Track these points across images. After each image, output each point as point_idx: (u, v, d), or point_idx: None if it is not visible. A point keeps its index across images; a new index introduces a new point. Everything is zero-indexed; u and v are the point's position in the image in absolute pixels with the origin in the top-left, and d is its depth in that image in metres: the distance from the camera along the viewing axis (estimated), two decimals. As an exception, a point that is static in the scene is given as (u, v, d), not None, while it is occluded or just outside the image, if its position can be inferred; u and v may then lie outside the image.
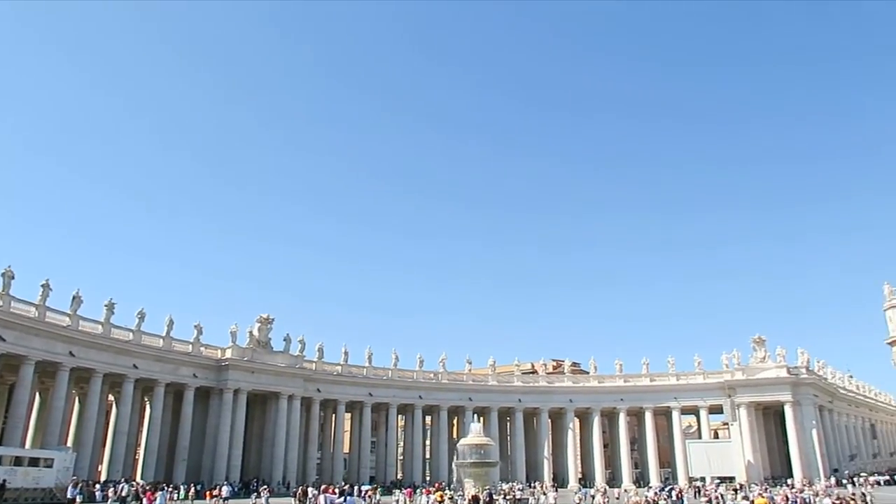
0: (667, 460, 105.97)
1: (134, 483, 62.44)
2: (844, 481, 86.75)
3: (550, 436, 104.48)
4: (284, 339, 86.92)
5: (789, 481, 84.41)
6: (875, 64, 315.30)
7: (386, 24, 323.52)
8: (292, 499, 57.77)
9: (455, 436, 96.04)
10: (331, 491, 52.79)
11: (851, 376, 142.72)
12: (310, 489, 59.06)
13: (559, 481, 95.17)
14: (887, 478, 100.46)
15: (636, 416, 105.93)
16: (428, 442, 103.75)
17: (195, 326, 79.95)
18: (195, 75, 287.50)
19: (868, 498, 42.12)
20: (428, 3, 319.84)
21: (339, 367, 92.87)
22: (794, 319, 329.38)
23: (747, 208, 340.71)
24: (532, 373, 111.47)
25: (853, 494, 42.75)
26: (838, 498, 40.35)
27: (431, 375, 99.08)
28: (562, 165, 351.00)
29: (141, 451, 76.26)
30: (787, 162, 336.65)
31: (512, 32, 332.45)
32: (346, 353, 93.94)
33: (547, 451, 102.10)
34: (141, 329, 73.20)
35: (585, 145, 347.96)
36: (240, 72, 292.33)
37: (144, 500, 48.37)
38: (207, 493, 59.58)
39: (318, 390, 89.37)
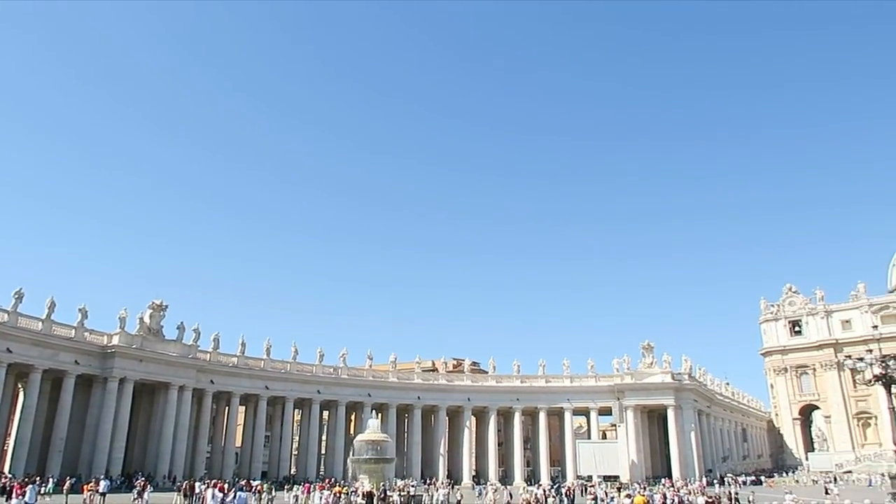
0: (557, 459, 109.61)
1: (1, 476, 57.99)
2: (716, 481, 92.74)
3: (447, 433, 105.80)
4: (178, 328, 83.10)
5: (664, 480, 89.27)
6: (737, 76, 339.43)
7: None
8: (176, 494, 55.40)
9: (352, 431, 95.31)
10: (220, 486, 51.04)
11: (728, 383, 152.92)
12: (197, 484, 56.84)
13: (454, 478, 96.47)
14: (753, 478, 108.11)
15: (531, 415, 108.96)
16: (324, 437, 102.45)
17: (80, 310, 74.96)
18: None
19: (734, 496, 45.19)
20: None
21: (235, 359, 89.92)
22: (681, 329, 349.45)
23: (640, 222, 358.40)
24: (433, 371, 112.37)
25: (720, 494, 45.84)
26: (710, 497, 43.07)
27: (331, 370, 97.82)
28: (464, 172, 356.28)
29: (11, 442, 70.90)
30: (676, 178, 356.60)
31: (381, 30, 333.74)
32: (243, 345, 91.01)
33: (443, 448, 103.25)
34: (17, 310, 67.89)
35: (487, 152, 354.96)
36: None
37: (13, 494, 44.94)
38: (84, 486, 56.06)
39: (212, 382, 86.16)
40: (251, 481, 69.01)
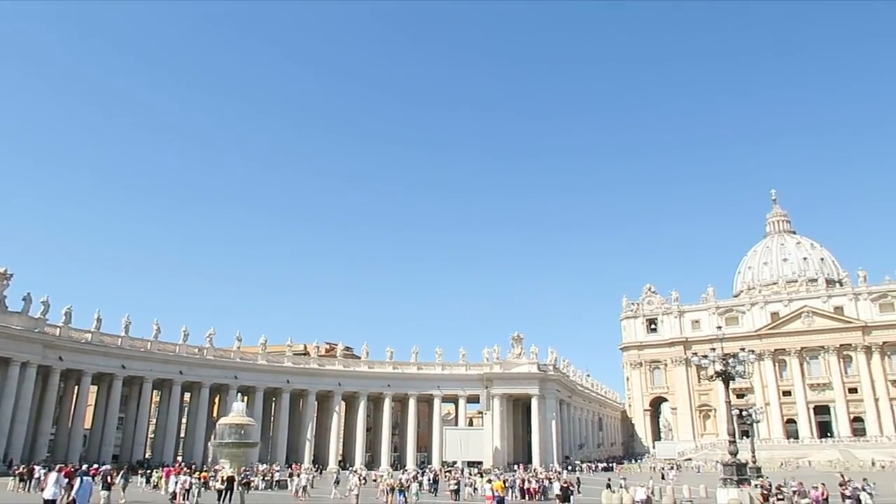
0: (424, 445, 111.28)
1: None
2: (570, 467, 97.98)
3: (316, 418, 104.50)
4: (23, 299, 75.88)
5: (517, 466, 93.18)
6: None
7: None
8: (12, 479, 50.93)
9: (216, 414, 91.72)
10: (66, 471, 47.35)
11: (589, 375, 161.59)
12: (37, 468, 52.46)
13: (320, 463, 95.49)
14: (605, 464, 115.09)
15: (401, 402, 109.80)
16: (185, 420, 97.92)
17: None
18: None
19: (578, 480, 48.42)
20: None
21: (88, 335, 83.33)
22: (549, 322, 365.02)
23: (518, 226, 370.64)
24: (304, 354, 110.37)
25: (571, 479, 48.50)
26: (564, 482, 45.37)
27: (196, 350, 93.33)
28: (357, 140, 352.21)
29: None
30: (553, 190, 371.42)
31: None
32: (98, 321, 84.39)
33: (310, 433, 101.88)
34: None
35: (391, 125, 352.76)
36: None
37: None
38: None
39: (61, 359, 79.45)
40: (97, 466, 64.67)
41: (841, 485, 40.89)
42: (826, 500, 35.70)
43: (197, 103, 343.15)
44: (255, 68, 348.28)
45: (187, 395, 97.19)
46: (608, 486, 42.98)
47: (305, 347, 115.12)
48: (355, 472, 65.98)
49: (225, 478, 42.17)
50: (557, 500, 43.83)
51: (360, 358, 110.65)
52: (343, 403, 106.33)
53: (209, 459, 74.11)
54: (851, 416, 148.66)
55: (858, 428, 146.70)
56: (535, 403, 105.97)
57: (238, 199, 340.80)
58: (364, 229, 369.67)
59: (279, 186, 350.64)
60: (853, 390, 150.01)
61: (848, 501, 36.44)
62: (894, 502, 40.19)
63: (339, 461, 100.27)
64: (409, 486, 41.93)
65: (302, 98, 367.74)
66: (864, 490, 35.59)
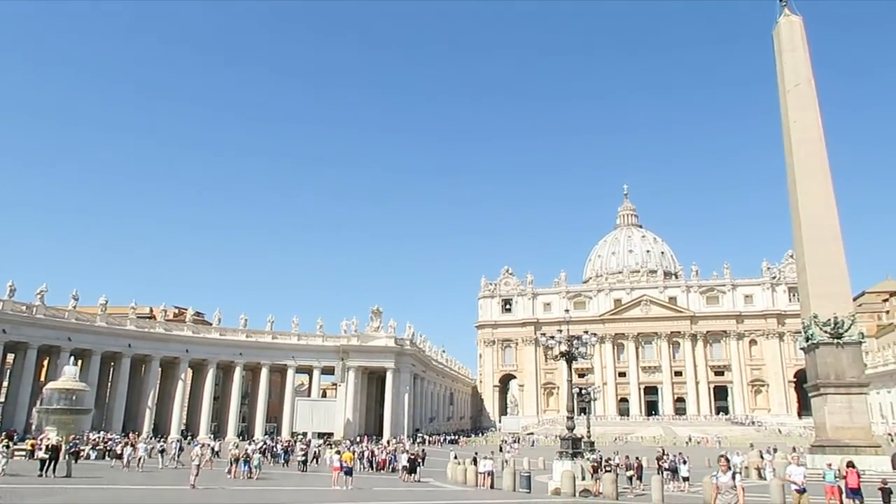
0: (275, 415, 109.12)
1: None
2: (418, 440, 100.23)
3: (159, 385, 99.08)
4: None
5: (365, 438, 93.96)
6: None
7: None
8: None
9: (44, 379, 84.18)
10: None
11: (444, 351, 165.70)
12: None
13: (161, 432, 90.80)
14: (453, 437, 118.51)
15: (253, 371, 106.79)
16: (6, 384, 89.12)
17: None
18: None
19: (423, 452, 50.03)
20: None
21: None
22: (409, 297, 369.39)
23: (386, 198, 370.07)
24: (150, 318, 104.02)
25: (417, 451, 49.65)
26: (412, 454, 46.32)
27: (23, 308, 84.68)
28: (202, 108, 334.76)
29: None
30: (418, 173, 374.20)
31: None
32: None
33: (152, 401, 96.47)
34: None
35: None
36: None
37: None
38: None
39: None
40: None
41: (658, 458, 46.05)
42: (640, 469, 40.12)
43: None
44: None
45: (10, 357, 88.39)
46: (454, 457, 44.39)
47: (152, 311, 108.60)
48: (200, 442, 63.47)
49: (49, 446, 38.90)
50: (404, 472, 44.61)
51: (211, 324, 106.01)
52: (190, 371, 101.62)
53: (33, 427, 68.34)
54: (675, 396, 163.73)
55: (680, 407, 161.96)
56: (389, 377, 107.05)
57: (82, 147, 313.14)
58: (221, 192, 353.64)
59: (130, 141, 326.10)
60: (679, 373, 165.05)
61: (666, 473, 40.71)
62: (704, 472, 44.79)
63: (182, 431, 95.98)
64: (252, 457, 40.78)
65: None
66: (682, 463, 39.39)
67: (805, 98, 48.28)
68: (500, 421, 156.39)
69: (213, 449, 51.07)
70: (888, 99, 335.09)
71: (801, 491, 25.50)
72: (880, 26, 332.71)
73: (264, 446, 58.48)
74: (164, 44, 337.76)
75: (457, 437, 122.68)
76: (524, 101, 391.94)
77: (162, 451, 49.38)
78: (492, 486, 38.00)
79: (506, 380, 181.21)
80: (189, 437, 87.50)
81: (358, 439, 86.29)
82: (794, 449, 60.87)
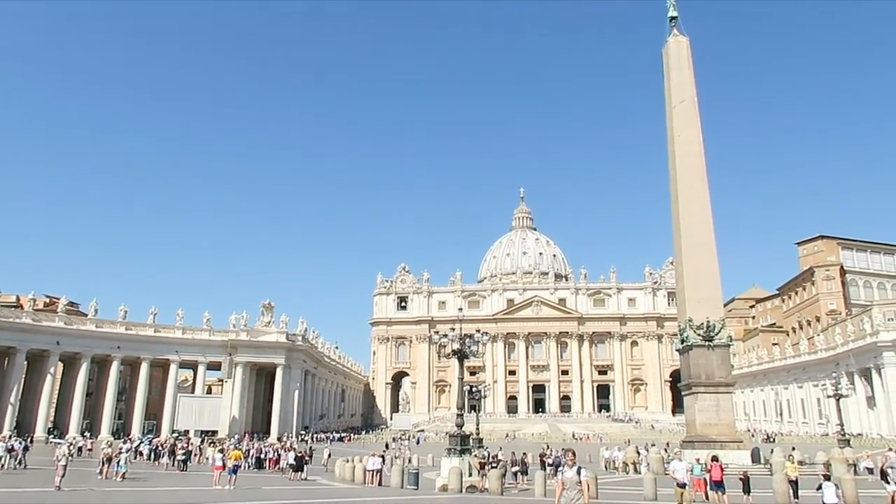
0: (155, 412, 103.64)
1: None
2: (304, 438, 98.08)
3: (24, 380, 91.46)
4: None
5: (250, 435, 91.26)
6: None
7: None
8: None
9: None
10: None
11: (337, 347, 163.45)
12: None
13: (25, 430, 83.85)
14: (342, 435, 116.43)
15: (132, 365, 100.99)
16: None
17: None
18: None
19: (311, 451, 49.37)
20: None
21: None
22: (303, 292, 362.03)
23: (283, 190, 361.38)
24: (16, 307, 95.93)
25: (304, 449, 48.83)
26: (299, 452, 45.38)
27: None
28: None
29: None
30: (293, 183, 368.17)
31: None
32: None
33: (15, 396, 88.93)
34: None
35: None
36: None
37: None
38: None
39: None
40: None
41: (542, 455, 48.00)
42: (525, 465, 41.78)
43: None
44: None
45: None
46: (348, 460, 43.64)
47: (18, 299, 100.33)
48: (69, 441, 59.19)
49: None
50: (290, 470, 43.66)
51: (86, 315, 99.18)
52: (61, 365, 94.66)
53: None
54: (562, 394, 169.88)
55: (566, 405, 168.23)
56: (279, 373, 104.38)
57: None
58: (101, 174, 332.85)
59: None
60: (565, 372, 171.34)
61: (549, 468, 42.26)
62: (588, 464, 46.74)
63: (50, 428, 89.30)
64: (119, 456, 38.40)
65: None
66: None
67: (688, 115, 51.15)
68: (391, 418, 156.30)
69: (80, 448, 47.77)
70: (758, 120, 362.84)
71: (682, 486, 26.65)
72: (760, 45, 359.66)
73: (140, 444, 55.48)
74: None
75: (348, 434, 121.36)
76: (426, 101, 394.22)
77: (10, 451, 45.48)
78: (380, 484, 37.90)
79: (399, 377, 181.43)
80: (56, 435, 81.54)
81: (236, 437, 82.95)
82: (667, 445, 64.41)
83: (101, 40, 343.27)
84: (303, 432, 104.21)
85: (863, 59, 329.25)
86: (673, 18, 52.91)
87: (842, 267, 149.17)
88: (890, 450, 53.82)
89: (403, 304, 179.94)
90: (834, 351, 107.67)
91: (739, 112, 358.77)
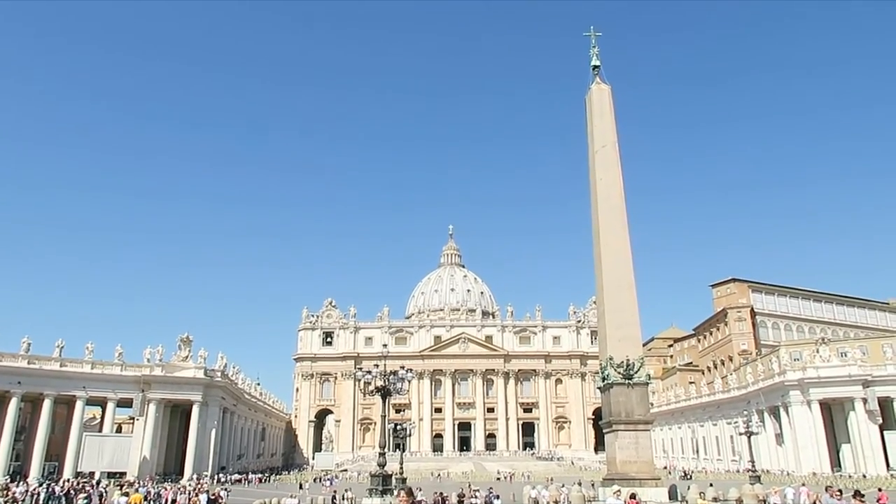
0: (57, 453, 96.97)
1: None
2: (215, 480, 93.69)
3: None
4: None
5: (134, 479, 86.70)
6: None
7: None
8: None
9: None
10: None
11: (259, 384, 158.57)
12: None
13: None
14: (261, 475, 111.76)
15: (34, 402, 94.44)
16: None
17: None
18: None
19: (226, 492, 47.28)
20: None
21: None
22: (225, 328, 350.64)
23: (196, 234, 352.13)
24: None
25: (218, 491, 46.86)
26: (212, 494, 43.37)
27: None
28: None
29: None
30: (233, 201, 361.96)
31: None
32: None
33: None
34: None
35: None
36: None
37: None
38: None
39: None
40: None
41: (460, 496, 47.44)
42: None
43: None
44: None
45: None
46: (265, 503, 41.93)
47: None
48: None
49: None
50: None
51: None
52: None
53: None
54: (487, 432, 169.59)
55: (491, 443, 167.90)
56: (196, 411, 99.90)
57: None
58: (10, 194, 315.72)
59: None
60: (491, 410, 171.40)
61: None
62: (512, 503, 46.74)
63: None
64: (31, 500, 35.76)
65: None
66: (495, 498, 40.96)
67: (610, 159, 52.95)
68: (313, 458, 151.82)
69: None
70: (677, 170, 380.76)
71: None
72: (679, 90, 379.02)
73: (39, 488, 51.70)
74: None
75: (266, 474, 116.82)
76: (358, 135, 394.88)
77: None
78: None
79: (323, 415, 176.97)
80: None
81: (139, 482, 77.83)
82: (592, 483, 64.15)
83: None
84: (219, 474, 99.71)
85: (771, 121, 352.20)
86: (596, 67, 55.06)
87: (752, 309, 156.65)
88: (803, 485, 56.36)
89: (329, 339, 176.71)
90: (745, 390, 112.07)
91: (661, 161, 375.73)
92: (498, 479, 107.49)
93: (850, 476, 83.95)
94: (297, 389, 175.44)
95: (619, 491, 25.08)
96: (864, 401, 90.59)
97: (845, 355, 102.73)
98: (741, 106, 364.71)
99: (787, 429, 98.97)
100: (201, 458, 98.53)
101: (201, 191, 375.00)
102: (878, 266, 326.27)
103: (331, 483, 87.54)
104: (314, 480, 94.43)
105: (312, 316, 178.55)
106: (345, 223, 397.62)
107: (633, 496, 29.66)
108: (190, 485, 67.43)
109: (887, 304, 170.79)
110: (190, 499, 49.25)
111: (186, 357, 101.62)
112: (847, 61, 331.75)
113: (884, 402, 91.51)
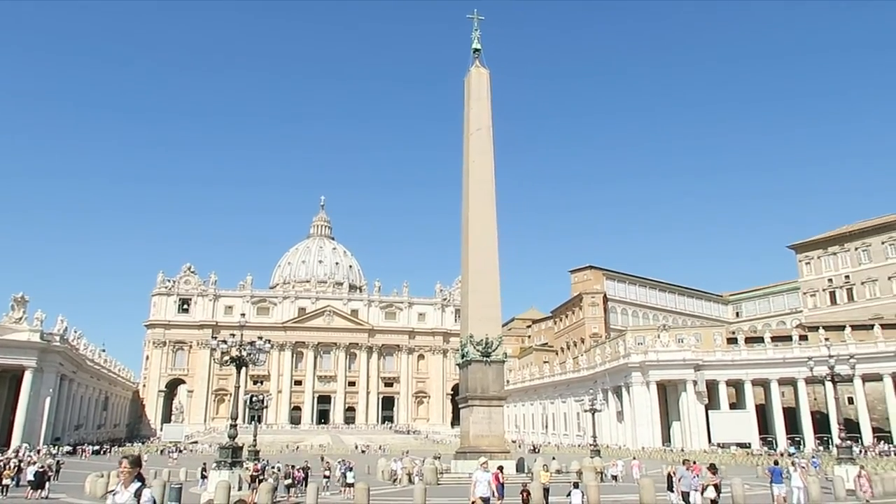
0: None
1: None
2: (64, 450, 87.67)
3: None
4: None
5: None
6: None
7: None
8: None
9: None
10: None
11: (104, 350, 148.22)
12: None
13: None
14: (99, 447, 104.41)
15: None
16: None
17: None
18: None
19: (58, 464, 44.55)
20: None
21: None
22: (69, 290, 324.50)
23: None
24: None
25: (50, 464, 43.80)
26: (41, 466, 40.21)
27: None
28: None
29: None
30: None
31: None
32: None
33: None
34: None
35: None
36: None
37: None
38: None
39: None
40: None
41: (304, 468, 45.93)
42: (307, 477, 40.66)
43: None
44: None
45: None
46: (101, 475, 39.32)
47: None
48: None
49: None
50: (29, 487, 38.37)
51: None
52: None
53: None
54: (347, 405, 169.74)
55: (350, 416, 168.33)
56: (28, 377, 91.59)
57: None
58: None
59: None
60: (352, 384, 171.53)
61: (325, 480, 42.20)
62: (367, 475, 46.87)
63: None
64: None
65: None
66: (348, 469, 41.15)
67: (484, 142, 54.11)
68: (161, 429, 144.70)
69: None
70: (548, 160, 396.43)
71: (486, 499, 23.48)
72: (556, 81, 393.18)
73: None
74: None
75: (106, 445, 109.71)
76: (227, 93, 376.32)
77: None
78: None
79: (174, 384, 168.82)
80: None
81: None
82: (436, 456, 64.73)
83: None
84: (51, 445, 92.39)
85: (644, 114, 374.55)
86: (476, 51, 55.81)
87: (605, 295, 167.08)
88: (634, 458, 61.06)
89: (186, 306, 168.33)
90: (593, 370, 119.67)
91: (532, 149, 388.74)
92: (355, 451, 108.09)
93: (679, 450, 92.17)
94: (148, 357, 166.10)
95: (486, 462, 25.52)
96: (695, 383, 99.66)
97: (682, 341, 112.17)
98: (610, 99, 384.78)
99: (628, 407, 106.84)
100: (32, 428, 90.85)
101: (52, 139, 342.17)
102: (715, 262, 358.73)
103: (177, 455, 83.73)
104: (160, 452, 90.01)
105: (169, 281, 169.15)
106: (210, 186, 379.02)
107: (500, 468, 30.83)
108: (15, 456, 61.85)
109: (720, 296, 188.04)
110: (16, 471, 45.37)
111: (21, 319, 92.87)
112: (703, 62, 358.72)
113: (711, 385, 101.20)
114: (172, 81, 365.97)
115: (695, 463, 33.14)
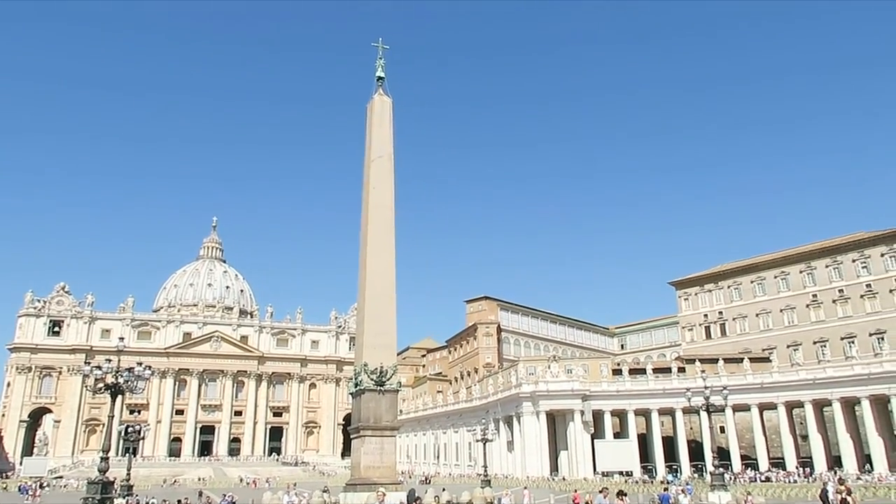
0: None
1: None
2: None
3: None
4: None
5: None
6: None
7: None
8: None
9: None
10: None
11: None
12: None
13: None
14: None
15: None
16: None
17: None
18: None
19: None
20: None
21: None
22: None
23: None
24: None
25: None
26: None
27: None
28: None
29: None
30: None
31: None
32: None
33: None
34: None
35: None
36: None
37: None
38: None
39: None
40: None
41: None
42: None
43: None
44: None
45: None
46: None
47: None
48: None
49: None
50: None
51: None
52: None
53: None
54: (232, 436, 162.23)
55: (235, 448, 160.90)
56: None
57: None
58: None
59: None
60: (239, 413, 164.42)
61: None
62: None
63: None
64: None
65: None
66: (231, 503, 39.14)
67: (384, 170, 54.04)
68: (20, 463, 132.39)
69: None
70: (444, 190, 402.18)
71: None
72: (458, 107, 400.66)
73: None
74: None
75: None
76: (119, 109, 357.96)
77: None
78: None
79: (39, 414, 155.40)
80: None
81: None
82: (324, 489, 62.32)
83: None
84: None
85: (534, 149, 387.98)
86: (380, 79, 55.93)
87: (499, 325, 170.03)
88: (525, 488, 61.81)
89: (57, 328, 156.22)
90: (486, 400, 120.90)
91: (430, 178, 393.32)
92: (240, 484, 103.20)
93: (563, 479, 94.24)
94: (9, 384, 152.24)
95: (383, 494, 25.21)
96: (582, 413, 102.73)
97: (571, 372, 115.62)
98: (507, 134, 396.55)
99: (518, 437, 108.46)
100: None
101: None
102: (602, 295, 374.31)
103: (34, 492, 75.71)
104: (18, 490, 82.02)
105: (38, 301, 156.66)
106: (91, 206, 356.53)
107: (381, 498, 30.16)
108: None
109: (607, 328, 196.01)
110: None
111: None
112: (597, 95, 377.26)
113: (597, 414, 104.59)
114: (58, 93, 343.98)
115: (603, 490, 33.93)
